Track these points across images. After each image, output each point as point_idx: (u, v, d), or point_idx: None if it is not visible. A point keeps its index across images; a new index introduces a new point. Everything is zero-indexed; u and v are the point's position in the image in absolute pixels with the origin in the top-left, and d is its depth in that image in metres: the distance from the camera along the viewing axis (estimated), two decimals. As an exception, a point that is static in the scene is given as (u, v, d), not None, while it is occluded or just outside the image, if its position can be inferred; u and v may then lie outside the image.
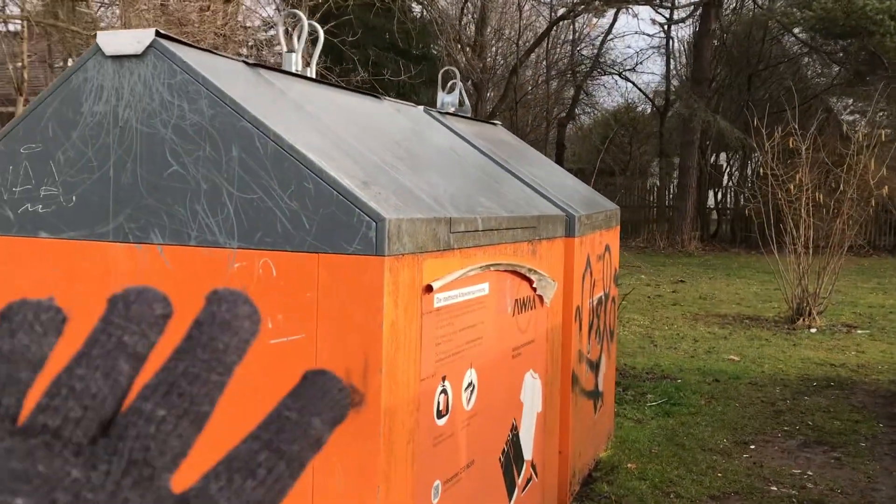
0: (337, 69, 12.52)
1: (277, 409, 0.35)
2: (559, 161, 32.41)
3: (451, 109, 4.40)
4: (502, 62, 30.98)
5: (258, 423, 0.35)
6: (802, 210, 8.85)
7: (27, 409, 0.33)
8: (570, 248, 3.64)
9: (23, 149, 2.52)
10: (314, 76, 3.11)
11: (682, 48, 27.84)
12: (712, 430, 5.01)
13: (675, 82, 27.60)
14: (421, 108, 3.88)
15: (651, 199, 26.89)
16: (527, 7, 28.99)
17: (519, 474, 3.15)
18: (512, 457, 3.07)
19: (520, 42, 29.03)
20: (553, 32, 28.63)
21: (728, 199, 25.01)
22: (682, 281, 13.95)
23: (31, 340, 0.34)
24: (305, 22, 3.01)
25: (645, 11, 28.92)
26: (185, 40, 2.43)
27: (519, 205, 3.18)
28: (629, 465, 4.32)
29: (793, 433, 5.03)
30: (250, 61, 2.67)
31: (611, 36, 30.25)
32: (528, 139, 30.17)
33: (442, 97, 4.42)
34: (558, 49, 30.82)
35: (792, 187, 8.95)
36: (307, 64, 3.14)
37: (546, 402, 3.43)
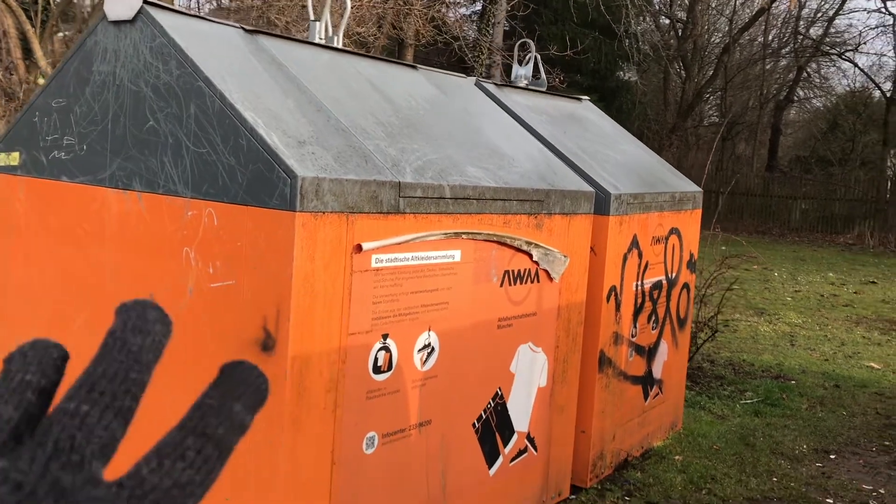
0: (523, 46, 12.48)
1: (199, 399, 0.39)
2: (773, 147, 30.49)
3: (524, 83, 4.40)
4: (717, 40, 29.57)
5: (183, 412, 0.39)
6: None
7: None
8: (602, 226, 3.56)
9: (53, 102, 2.89)
10: (339, 44, 3.27)
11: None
12: (796, 436, 4.68)
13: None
14: (472, 79, 3.93)
15: (873, 193, 24.58)
16: (744, -18, 27.31)
17: (505, 444, 3.17)
18: (494, 425, 3.10)
19: (734, 19, 27.47)
20: (773, 9, 26.83)
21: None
22: (873, 282, 12.77)
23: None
24: (330, -8, 3.17)
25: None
26: (176, 7, 2.67)
27: (527, 177, 3.17)
28: (676, 458, 4.16)
29: (891, 449, 4.58)
30: (249, 27, 2.87)
31: (841, 13, 27.87)
32: (740, 122, 28.64)
33: (516, 70, 4.43)
34: (779, 27, 28.86)
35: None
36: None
37: (556, 378, 3.41)
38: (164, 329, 0.40)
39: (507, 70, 14.79)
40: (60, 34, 7.12)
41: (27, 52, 7.16)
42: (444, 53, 15.34)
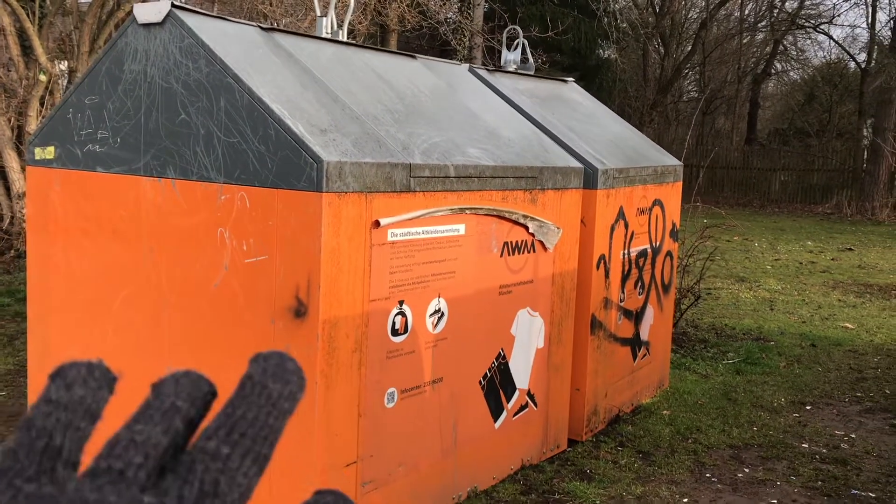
0: (500, 30, 12.76)
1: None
2: (752, 120, 30.92)
3: (513, 67, 4.67)
4: (694, 16, 29.90)
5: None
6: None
7: (88, 456, 0.36)
8: (591, 200, 3.86)
9: (87, 99, 3.14)
10: (344, 38, 3.53)
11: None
12: (775, 391, 5.02)
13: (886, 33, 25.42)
14: (465, 66, 4.20)
15: (850, 163, 25.03)
16: (719, -43, 27.57)
17: (508, 400, 3.48)
18: (498, 382, 3.41)
19: (711, -6, 27.76)
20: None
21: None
22: (849, 249, 13.19)
23: (86, 393, 0.36)
24: (335, -10, 3.43)
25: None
26: (200, 10, 2.93)
27: (522, 156, 3.46)
28: (664, 412, 4.49)
29: (862, 400, 4.94)
30: (265, 26, 3.13)
31: (815, -14, 28.19)
32: (719, 97, 29.01)
33: (505, 55, 4.70)
34: (755, 1, 29.18)
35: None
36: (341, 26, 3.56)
37: (552, 340, 3.71)
38: (300, 382, 0.39)
39: (489, 52, 15.05)
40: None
41: (24, 48, 7.35)
42: (426, 37, 15.60)
